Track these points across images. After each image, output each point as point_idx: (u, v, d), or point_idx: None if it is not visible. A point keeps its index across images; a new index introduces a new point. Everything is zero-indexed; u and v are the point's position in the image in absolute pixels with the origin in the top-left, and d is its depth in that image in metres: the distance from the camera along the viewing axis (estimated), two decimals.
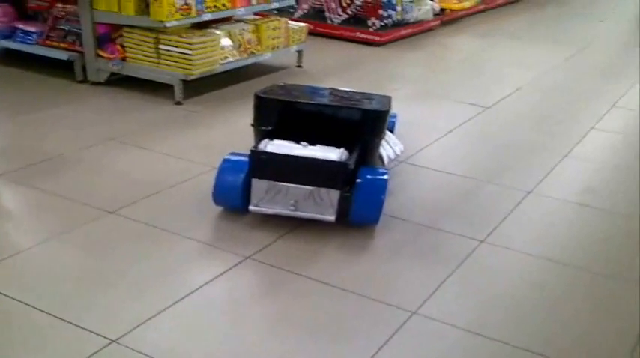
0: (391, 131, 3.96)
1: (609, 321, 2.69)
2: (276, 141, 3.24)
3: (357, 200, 3.12)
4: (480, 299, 2.77)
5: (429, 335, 2.54)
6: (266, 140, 3.25)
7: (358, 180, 3.16)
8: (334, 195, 3.10)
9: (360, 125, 3.42)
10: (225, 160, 3.28)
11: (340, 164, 3.11)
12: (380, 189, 3.22)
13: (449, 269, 2.95)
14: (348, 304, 2.69)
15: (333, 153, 3.14)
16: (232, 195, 3.20)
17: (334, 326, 2.55)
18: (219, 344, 2.42)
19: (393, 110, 3.66)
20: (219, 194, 3.22)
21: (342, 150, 3.18)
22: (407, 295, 2.75)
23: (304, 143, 3.22)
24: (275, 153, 3.15)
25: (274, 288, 2.78)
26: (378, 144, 3.52)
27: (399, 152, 3.83)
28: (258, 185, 3.15)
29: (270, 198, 3.15)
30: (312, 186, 3.10)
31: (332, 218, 3.12)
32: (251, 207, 3.17)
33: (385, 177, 3.27)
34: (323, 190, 3.10)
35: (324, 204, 3.12)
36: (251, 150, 3.18)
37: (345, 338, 2.48)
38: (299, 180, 3.10)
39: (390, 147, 3.74)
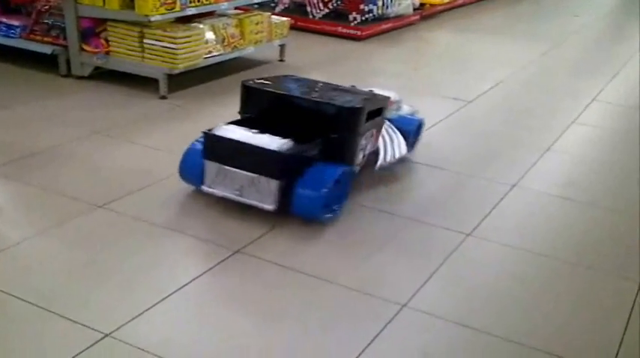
0: (406, 136, 3.88)
1: (589, 312, 2.76)
2: (230, 126, 3.29)
3: (298, 193, 3.14)
4: (468, 292, 2.82)
5: (419, 327, 2.58)
6: (221, 124, 3.31)
7: (304, 174, 3.17)
8: (273, 184, 3.12)
9: (332, 120, 3.40)
10: (196, 141, 3.37)
11: (276, 154, 3.11)
12: (322, 185, 3.17)
13: (437, 262, 3.00)
14: (338, 298, 2.71)
15: (275, 143, 3.16)
16: (192, 174, 3.32)
17: (325, 320, 2.57)
18: (211, 338, 2.44)
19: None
20: (182, 171, 3.36)
21: (286, 140, 3.18)
22: (397, 288, 2.79)
23: (255, 131, 3.25)
24: (222, 137, 3.22)
25: (264, 282, 2.81)
26: (352, 142, 3.41)
27: (397, 155, 3.75)
28: (210, 167, 3.23)
29: (219, 180, 3.22)
30: (254, 173, 3.14)
31: (271, 207, 3.14)
32: (204, 187, 3.27)
33: (335, 175, 3.21)
34: (263, 178, 3.13)
35: (264, 192, 3.15)
36: (203, 132, 3.26)
37: (336, 331, 2.51)
38: (243, 166, 3.16)
39: (390, 148, 3.70)
